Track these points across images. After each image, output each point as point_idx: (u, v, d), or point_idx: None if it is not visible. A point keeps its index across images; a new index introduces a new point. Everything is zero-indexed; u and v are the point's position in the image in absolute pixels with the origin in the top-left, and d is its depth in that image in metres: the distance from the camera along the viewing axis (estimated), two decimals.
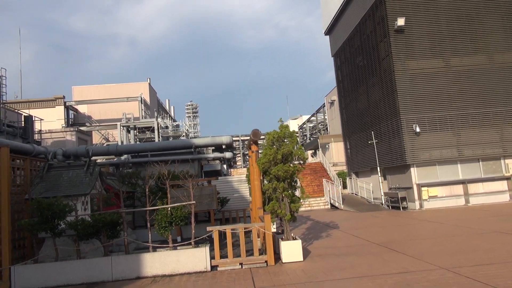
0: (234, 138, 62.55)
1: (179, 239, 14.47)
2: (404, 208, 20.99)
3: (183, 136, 36.70)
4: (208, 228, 9.56)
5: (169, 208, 9.60)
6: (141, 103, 42.11)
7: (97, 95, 44.94)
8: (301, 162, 10.22)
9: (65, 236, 9.44)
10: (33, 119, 22.89)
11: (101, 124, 41.93)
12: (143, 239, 11.51)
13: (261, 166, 10.22)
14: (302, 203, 10.20)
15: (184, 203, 9.66)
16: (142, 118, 40.75)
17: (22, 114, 23.27)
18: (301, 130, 67.08)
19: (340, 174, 32.43)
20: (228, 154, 19.70)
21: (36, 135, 28.58)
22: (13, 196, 10.28)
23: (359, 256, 9.62)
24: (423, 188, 20.38)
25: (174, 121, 68.67)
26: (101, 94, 45.06)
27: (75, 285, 8.90)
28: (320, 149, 38.55)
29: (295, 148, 9.98)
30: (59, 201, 9.21)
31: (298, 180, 10.43)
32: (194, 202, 9.70)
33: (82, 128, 40.32)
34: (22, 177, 11.07)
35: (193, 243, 9.56)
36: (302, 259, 9.58)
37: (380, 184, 23.61)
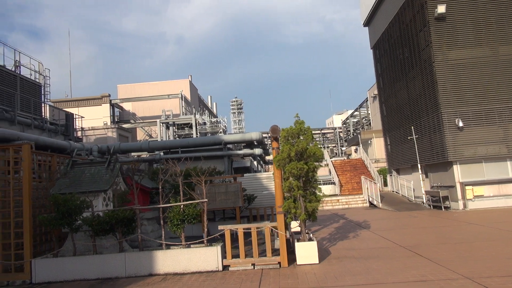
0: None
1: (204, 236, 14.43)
2: (446, 208, 19.69)
3: (221, 132, 36.93)
4: (220, 227, 9.37)
5: (181, 206, 9.52)
6: (182, 99, 42.89)
7: (140, 92, 46.37)
8: (318, 160, 9.73)
9: (83, 231, 9.65)
10: (74, 117, 23.92)
11: (144, 121, 43.23)
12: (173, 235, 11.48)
13: (277, 164, 9.87)
14: (322, 202, 9.71)
15: (196, 201, 9.54)
16: (182, 114, 41.50)
17: (65, 112, 24.41)
18: (344, 125, 65.43)
19: (381, 171, 31.16)
20: (257, 151, 19.38)
21: (79, 132, 30.00)
22: (39, 191, 10.68)
23: (379, 260, 9.02)
24: (467, 187, 18.98)
25: (216, 117, 69.58)
26: (144, 92, 46.44)
27: (90, 280, 9.07)
28: (361, 145, 37.28)
29: (310, 145, 9.52)
30: (75, 197, 9.43)
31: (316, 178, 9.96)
32: (207, 200, 9.55)
33: (125, 125, 41.84)
34: (49, 173, 11.47)
35: (205, 241, 9.42)
36: (317, 261, 9.15)
37: (421, 182, 22.32)
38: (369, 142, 39.02)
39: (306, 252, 9.18)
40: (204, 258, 9.11)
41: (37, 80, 23.05)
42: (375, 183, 24.66)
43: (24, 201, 9.36)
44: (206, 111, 57.07)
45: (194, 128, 33.98)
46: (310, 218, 10.35)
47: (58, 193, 10.52)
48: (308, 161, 9.60)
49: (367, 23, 29.82)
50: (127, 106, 46.61)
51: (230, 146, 21.71)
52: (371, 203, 25.18)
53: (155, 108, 46.11)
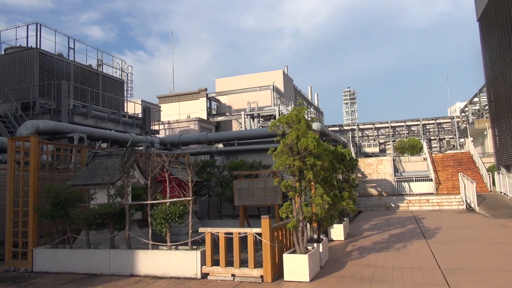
0: (394, 123, 57.60)
1: (189, 237, 13.47)
2: None
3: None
4: (201, 229, 8.34)
5: (167, 203, 8.77)
6: (273, 91, 42.38)
7: (235, 86, 47.25)
8: (321, 156, 7.97)
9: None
10: (151, 111, 25.14)
11: (238, 113, 43.95)
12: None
13: (274, 157, 8.43)
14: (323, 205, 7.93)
15: (179, 199, 8.68)
16: (273, 106, 40.98)
17: (143, 106, 25.80)
18: (463, 114, 57.28)
19: (491, 168, 26.08)
20: None
21: (161, 125, 31.66)
22: (63, 182, 11.03)
23: (392, 286, 6.97)
24: None
25: (318, 109, 67.53)
26: (238, 85, 47.19)
27: (78, 274, 8.96)
28: (470, 136, 31.88)
29: (307, 136, 7.81)
30: (71, 189, 9.41)
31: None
32: (191, 198, 8.60)
33: (220, 118, 43.15)
34: (77, 164, 11.84)
35: (190, 244, 8.51)
36: (307, 279, 7.49)
37: None
38: (485, 133, 33.12)
39: (296, 267, 7.59)
40: (183, 263, 8.22)
41: (120, 78, 24.77)
42: (472, 182, 20.55)
43: (30, 191, 9.68)
44: (304, 102, 55.63)
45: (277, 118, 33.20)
46: (314, 224, 8.68)
47: (72, 184, 10.75)
48: (307, 156, 7.92)
49: None
50: (223, 99, 48.04)
51: None
52: (468, 206, 21.11)
53: (251, 101, 46.57)
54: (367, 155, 48.22)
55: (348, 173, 13.42)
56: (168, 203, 8.76)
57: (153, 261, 8.47)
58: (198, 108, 45.73)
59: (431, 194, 25.37)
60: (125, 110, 24.55)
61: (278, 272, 7.87)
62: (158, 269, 8.39)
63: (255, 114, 35.97)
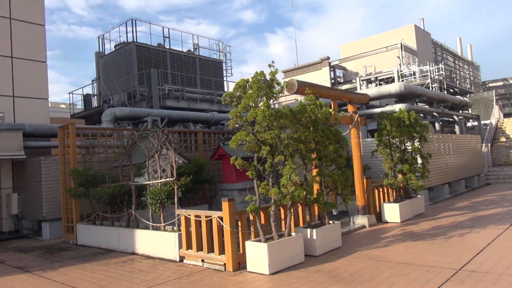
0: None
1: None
2: None
3: (434, 85, 29.85)
4: (177, 211, 7.94)
5: (159, 184, 8.65)
6: (402, 50, 37.71)
7: (361, 49, 43.80)
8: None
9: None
10: None
11: (361, 80, 40.79)
12: None
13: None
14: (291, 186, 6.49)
15: (163, 180, 8.43)
16: (401, 66, 36.55)
17: None
18: None
19: None
20: (397, 107, 14.37)
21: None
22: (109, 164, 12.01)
23: (365, 283, 5.44)
24: None
25: (471, 63, 57.11)
26: (365, 48, 43.57)
27: (101, 249, 9.71)
28: None
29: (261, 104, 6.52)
30: (95, 171, 10.18)
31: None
32: (173, 179, 8.25)
33: (345, 86, 40.83)
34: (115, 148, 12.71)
35: (163, 226, 8.25)
36: (267, 272, 6.41)
37: None
38: None
39: (257, 258, 6.57)
40: (164, 244, 8.05)
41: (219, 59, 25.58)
42: None
43: (61, 174, 10.89)
44: (448, 57, 47.99)
45: (396, 81, 29.26)
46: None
47: (113, 166, 11.67)
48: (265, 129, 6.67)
49: None
50: (350, 66, 45.11)
51: (373, 103, 17.46)
52: None
53: (379, 64, 42.57)
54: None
55: (411, 141, 10.93)
56: (159, 183, 8.64)
57: (144, 240, 8.54)
58: (321, 79, 44.02)
59: None
60: (226, 90, 25.33)
61: (245, 260, 6.95)
62: (150, 249, 8.43)
63: (372, 78, 32.68)
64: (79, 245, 10.41)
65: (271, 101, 7.14)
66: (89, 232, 10.25)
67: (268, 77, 6.93)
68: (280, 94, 7.54)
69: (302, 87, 8.49)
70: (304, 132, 6.99)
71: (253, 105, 6.58)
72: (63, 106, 40.98)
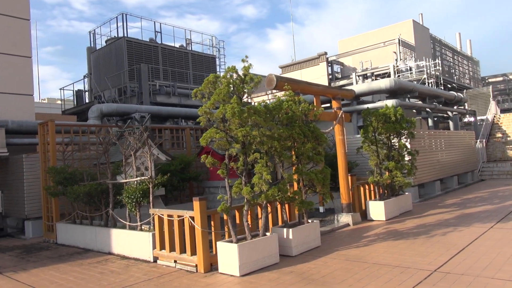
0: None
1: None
2: None
3: (431, 80, 29.49)
4: (150, 211, 7.73)
5: (135, 182, 8.44)
6: (399, 45, 37.36)
7: (359, 45, 43.42)
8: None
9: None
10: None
11: (359, 75, 40.45)
12: None
13: None
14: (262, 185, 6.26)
15: (138, 178, 8.21)
16: (397, 61, 36.21)
17: None
18: None
19: None
20: (389, 102, 14.07)
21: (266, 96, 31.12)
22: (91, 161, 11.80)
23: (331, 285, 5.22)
24: None
25: (470, 58, 56.56)
26: (363, 43, 43.21)
27: (79, 248, 9.51)
28: None
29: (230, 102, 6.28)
30: (73, 169, 9.97)
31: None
32: (147, 177, 8.03)
33: (342, 82, 40.48)
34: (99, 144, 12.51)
35: (139, 226, 8.04)
36: (238, 274, 6.20)
37: None
38: None
39: (229, 259, 6.36)
40: (139, 244, 7.85)
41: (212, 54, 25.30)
42: None
43: (42, 172, 10.64)
44: (447, 53, 47.56)
45: (392, 76, 28.95)
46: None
47: (94, 164, 11.44)
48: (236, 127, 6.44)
49: None
50: (347, 61, 44.72)
51: (365, 98, 17.21)
52: None
53: (376, 59, 42.21)
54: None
55: (396, 137, 10.69)
56: (135, 182, 8.43)
57: (120, 240, 8.35)
58: (319, 74, 43.67)
59: None
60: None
61: (217, 261, 6.74)
62: (126, 249, 8.24)
63: (368, 74, 32.36)
64: (59, 245, 10.23)
65: (245, 97, 6.91)
66: (68, 231, 10.06)
67: (240, 72, 6.68)
68: (272, 91, 7.33)
69: (281, 83, 8.24)
70: (278, 129, 6.76)
71: (223, 101, 6.35)
72: (59, 102, 40.82)
